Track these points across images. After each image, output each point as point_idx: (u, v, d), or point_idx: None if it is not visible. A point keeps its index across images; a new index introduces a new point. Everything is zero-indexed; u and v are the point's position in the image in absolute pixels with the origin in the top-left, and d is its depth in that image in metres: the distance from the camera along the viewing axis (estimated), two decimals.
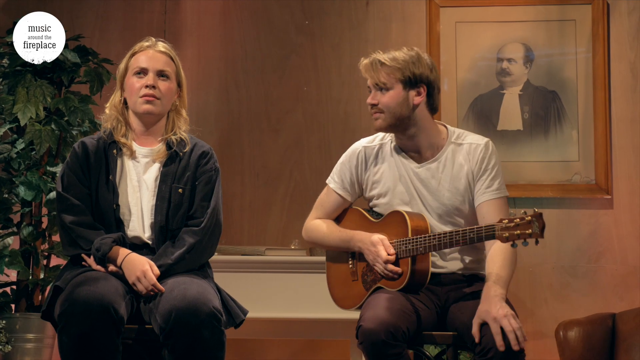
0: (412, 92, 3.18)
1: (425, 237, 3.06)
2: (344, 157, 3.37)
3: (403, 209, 3.18)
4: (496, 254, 3.10)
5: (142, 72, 3.23)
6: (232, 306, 3.16)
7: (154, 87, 3.21)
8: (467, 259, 3.21)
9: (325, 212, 3.40)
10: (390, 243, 3.13)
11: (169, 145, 3.25)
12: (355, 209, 3.36)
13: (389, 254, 3.10)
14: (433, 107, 3.25)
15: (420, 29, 4.99)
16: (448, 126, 3.30)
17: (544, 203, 4.81)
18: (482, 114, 4.89)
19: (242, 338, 4.52)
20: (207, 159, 3.27)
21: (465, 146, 3.24)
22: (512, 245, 2.92)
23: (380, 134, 3.34)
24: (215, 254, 3.30)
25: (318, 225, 3.38)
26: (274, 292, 4.25)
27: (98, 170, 3.20)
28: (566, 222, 4.83)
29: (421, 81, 3.19)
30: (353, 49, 5.04)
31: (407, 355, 3.00)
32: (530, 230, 2.86)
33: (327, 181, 3.42)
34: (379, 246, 3.12)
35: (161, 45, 3.29)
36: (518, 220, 2.89)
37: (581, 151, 4.84)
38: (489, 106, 4.89)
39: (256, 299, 4.09)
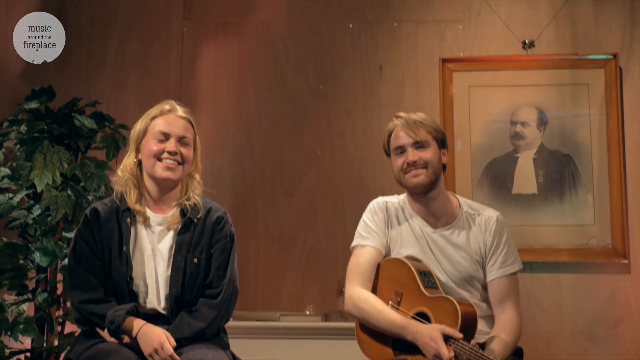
0: (442, 152, 3.31)
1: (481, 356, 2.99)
2: (367, 213, 3.36)
3: (455, 298, 3.11)
4: (505, 324, 3.16)
5: (164, 137, 3.19)
6: None
7: (175, 153, 3.18)
8: (486, 330, 3.22)
9: (364, 274, 3.25)
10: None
11: (183, 212, 3.22)
12: (405, 264, 3.22)
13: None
14: (444, 171, 3.35)
15: (433, 92, 5.02)
16: (457, 195, 3.36)
17: (560, 267, 4.79)
18: (497, 178, 4.89)
19: None
20: (222, 224, 3.25)
21: (478, 217, 3.31)
22: None
23: (395, 196, 3.37)
24: (230, 319, 3.28)
25: (369, 298, 3.21)
26: (290, 359, 4.21)
27: (111, 239, 3.16)
28: (583, 286, 4.79)
29: (446, 143, 3.33)
30: (367, 112, 5.06)
31: None
32: None
33: (353, 245, 3.34)
34: (440, 342, 2.99)
35: (181, 110, 3.26)
36: None
37: (597, 215, 4.82)
38: (503, 170, 4.89)
39: None
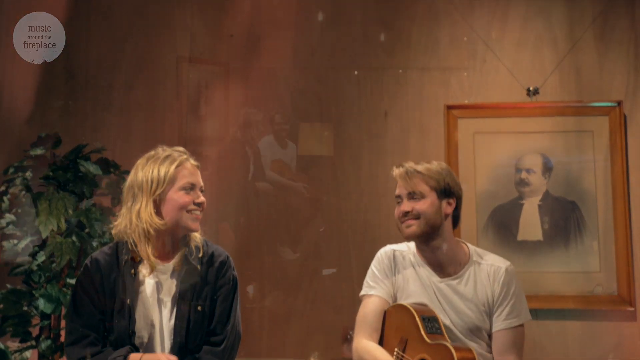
0: (444, 202, 3.27)
1: None
2: (375, 262, 3.37)
3: (453, 345, 3.10)
4: None
5: (191, 187, 3.17)
6: None
7: (201, 204, 3.17)
8: None
9: (371, 324, 3.27)
10: None
11: (185, 257, 3.20)
12: (408, 310, 3.22)
13: None
14: (457, 220, 3.33)
15: (438, 139, 5.02)
16: (468, 244, 3.34)
17: (565, 315, 4.76)
18: (502, 224, 4.88)
19: None
20: (225, 269, 3.23)
21: (487, 267, 3.28)
22: None
23: (404, 244, 3.36)
24: None
25: (372, 350, 3.22)
26: None
27: (114, 292, 3.13)
28: (589, 334, 4.76)
29: (452, 193, 3.29)
30: (372, 159, 5.07)
31: None
32: None
33: (362, 293, 3.35)
34: None
35: (192, 158, 3.25)
36: None
37: (602, 262, 4.80)
38: (508, 216, 4.88)
39: None
